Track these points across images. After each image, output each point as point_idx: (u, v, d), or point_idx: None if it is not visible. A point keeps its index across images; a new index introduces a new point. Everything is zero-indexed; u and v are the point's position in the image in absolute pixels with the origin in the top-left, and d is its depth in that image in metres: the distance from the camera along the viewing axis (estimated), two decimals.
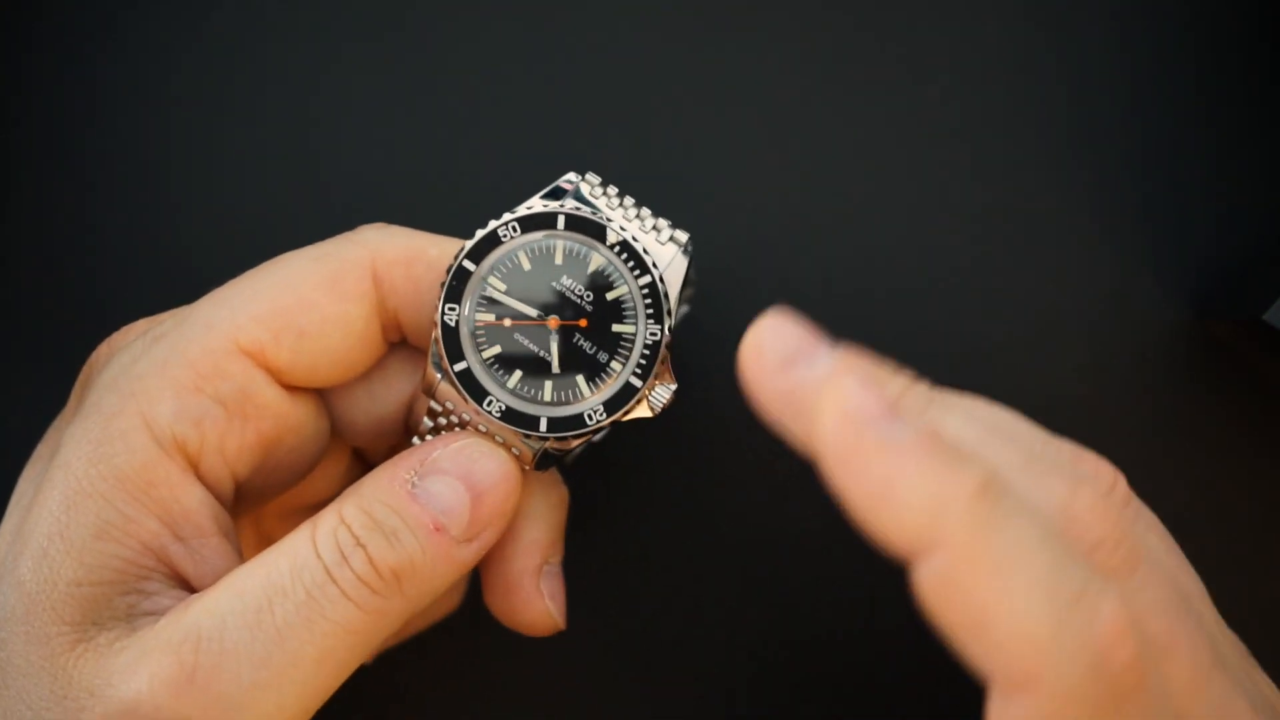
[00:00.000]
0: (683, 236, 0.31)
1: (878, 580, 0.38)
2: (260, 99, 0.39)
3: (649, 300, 0.31)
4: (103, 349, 0.32)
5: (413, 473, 0.29)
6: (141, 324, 0.32)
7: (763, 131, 0.39)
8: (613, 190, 0.31)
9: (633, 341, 0.31)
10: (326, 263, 0.30)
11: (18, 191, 0.39)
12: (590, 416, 0.31)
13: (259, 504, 0.32)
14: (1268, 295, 0.35)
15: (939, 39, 0.39)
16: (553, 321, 0.31)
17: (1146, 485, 0.38)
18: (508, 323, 0.31)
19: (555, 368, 0.31)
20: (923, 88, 0.39)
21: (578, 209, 0.31)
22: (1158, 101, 0.39)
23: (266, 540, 0.34)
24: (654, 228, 0.31)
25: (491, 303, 0.31)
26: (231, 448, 0.29)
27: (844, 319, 0.39)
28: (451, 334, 0.30)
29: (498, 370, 0.31)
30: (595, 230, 0.31)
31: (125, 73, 0.39)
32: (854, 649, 0.38)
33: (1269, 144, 0.39)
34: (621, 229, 0.31)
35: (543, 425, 0.31)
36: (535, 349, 0.31)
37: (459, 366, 0.30)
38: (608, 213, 0.31)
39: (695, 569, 0.39)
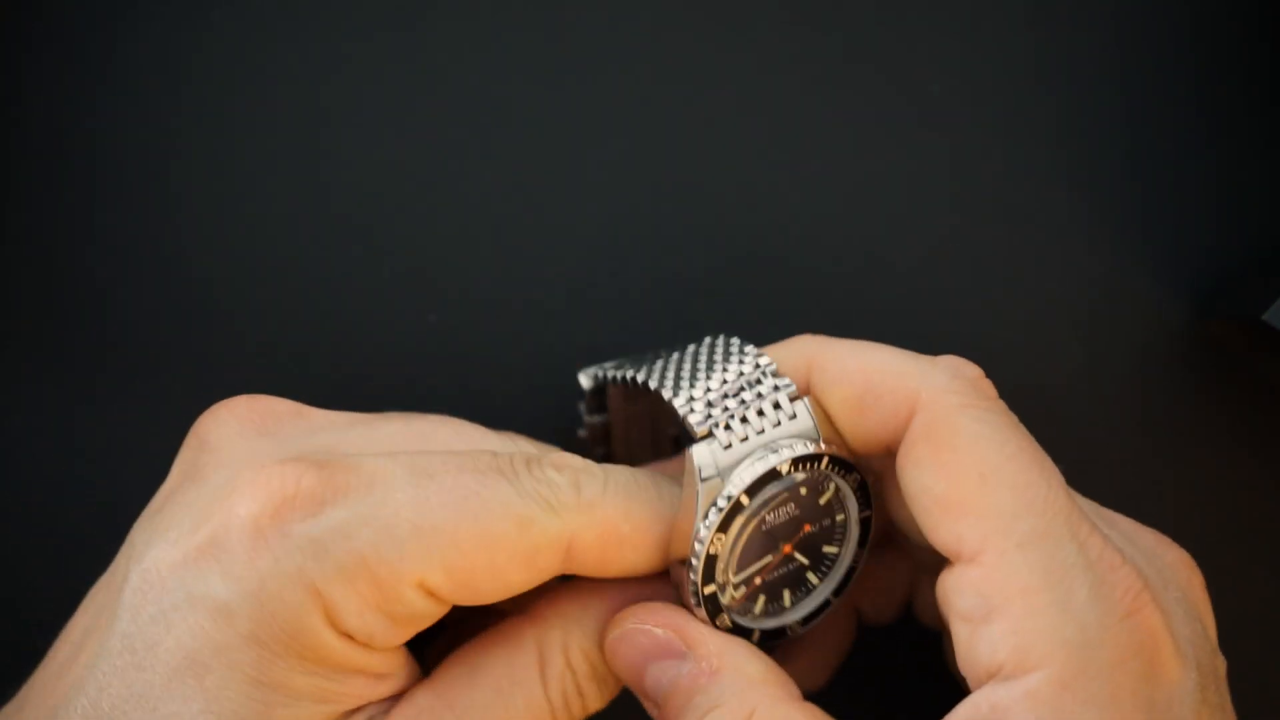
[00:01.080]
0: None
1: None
2: (264, 99, 0.39)
3: (861, 530, 0.33)
4: (210, 424, 0.32)
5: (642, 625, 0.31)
6: (244, 405, 0.32)
7: (758, 131, 0.39)
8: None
9: (834, 562, 0.33)
10: (529, 535, 0.30)
11: (15, 191, 0.39)
12: (791, 630, 0.33)
13: None
14: (1268, 295, 0.35)
15: (940, 37, 0.39)
16: (786, 548, 0.32)
17: (1146, 485, 0.38)
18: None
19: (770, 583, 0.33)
20: (922, 87, 0.39)
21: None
22: (1158, 101, 0.39)
23: None
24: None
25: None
26: (397, 641, 0.30)
27: (843, 320, 0.39)
28: (711, 561, 0.31)
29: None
30: (845, 466, 0.32)
31: (124, 72, 0.39)
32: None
33: (1269, 144, 0.39)
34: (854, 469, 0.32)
35: (755, 637, 0.32)
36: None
37: (708, 590, 0.31)
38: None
39: None
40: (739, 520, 0.31)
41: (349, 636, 0.28)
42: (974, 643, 0.29)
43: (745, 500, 0.30)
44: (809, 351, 0.32)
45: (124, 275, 0.39)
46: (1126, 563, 0.29)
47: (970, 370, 0.31)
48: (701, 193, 0.39)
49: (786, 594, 0.32)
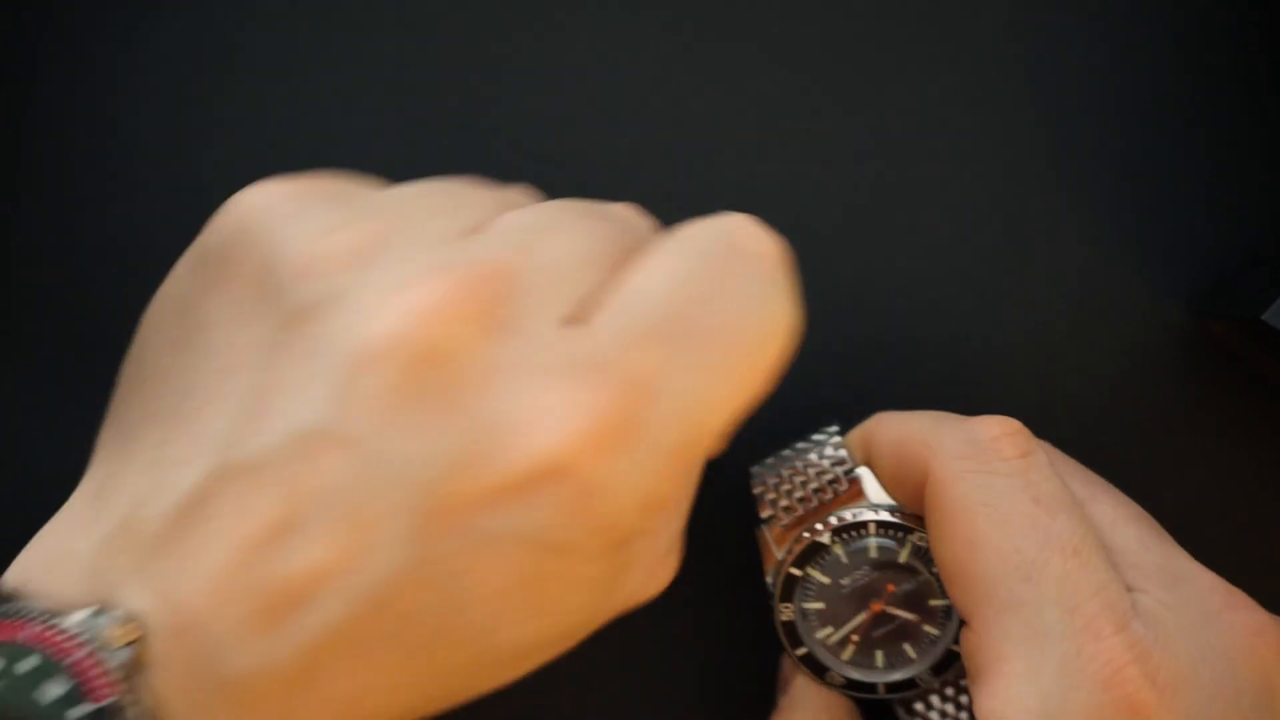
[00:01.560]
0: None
1: None
2: (258, 96, 0.39)
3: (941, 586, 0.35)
4: (255, 227, 0.28)
5: None
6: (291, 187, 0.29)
7: (759, 136, 0.39)
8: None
9: (947, 613, 0.35)
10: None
11: (14, 191, 0.39)
12: (923, 680, 0.35)
13: None
14: (1267, 295, 0.34)
15: (938, 39, 0.39)
16: (875, 606, 0.35)
17: (1146, 485, 0.38)
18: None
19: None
20: (921, 88, 0.39)
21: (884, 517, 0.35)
22: (1156, 101, 0.39)
23: None
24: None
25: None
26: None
27: (841, 323, 0.39)
28: (788, 627, 0.36)
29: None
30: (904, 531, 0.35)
31: (123, 70, 0.39)
32: None
33: (1269, 144, 0.39)
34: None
35: (880, 691, 0.35)
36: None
37: (800, 652, 0.36)
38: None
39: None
40: (797, 590, 0.35)
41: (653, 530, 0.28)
42: (974, 704, 0.30)
43: (796, 572, 0.35)
44: (869, 427, 0.35)
45: (122, 274, 0.39)
46: (1120, 632, 0.28)
47: (990, 430, 0.31)
48: (702, 199, 0.39)
49: (908, 647, 0.35)
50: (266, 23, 0.39)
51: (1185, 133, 0.39)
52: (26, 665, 0.26)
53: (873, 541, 0.35)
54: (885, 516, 0.35)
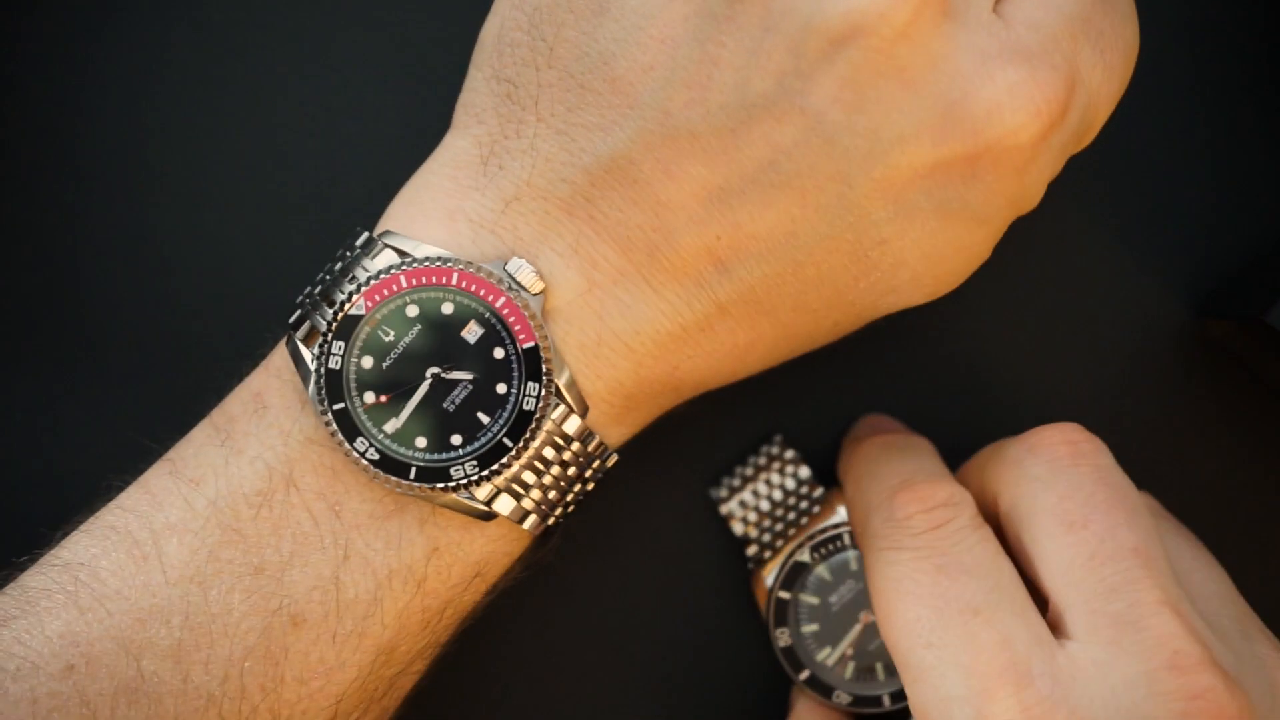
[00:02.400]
0: None
1: None
2: (257, 95, 0.39)
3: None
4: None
5: None
6: None
7: None
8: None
9: None
10: None
11: (12, 190, 0.39)
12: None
13: None
14: (1268, 295, 0.34)
15: None
16: (865, 617, 0.36)
17: (1146, 485, 0.38)
18: None
19: None
20: None
21: None
22: (1160, 102, 0.39)
23: None
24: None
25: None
26: None
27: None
28: (788, 652, 0.37)
29: None
30: None
31: (122, 68, 0.39)
32: None
33: (1270, 144, 0.39)
34: None
35: (886, 704, 0.36)
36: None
37: (802, 676, 0.37)
38: None
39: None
40: (790, 615, 0.36)
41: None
42: None
43: (785, 595, 0.36)
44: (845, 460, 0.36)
45: (121, 274, 0.39)
46: (1018, 692, 0.28)
47: (906, 507, 0.31)
48: None
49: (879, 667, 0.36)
50: (267, 23, 0.39)
51: (1187, 134, 0.39)
52: (447, 309, 0.29)
53: (851, 554, 0.36)
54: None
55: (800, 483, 0.37)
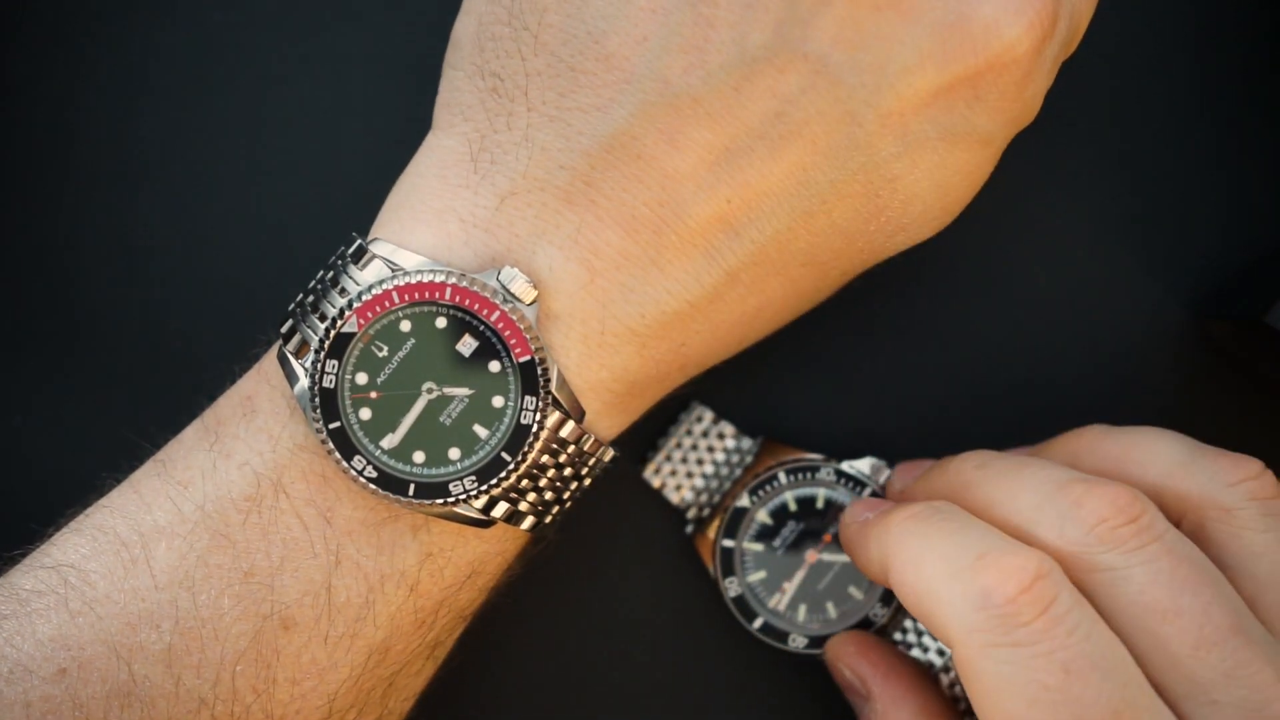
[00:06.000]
0: None
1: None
2: (252, 96, 0.39)
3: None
4: None
5: None
6: None
7: None
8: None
9: None
10: None
11: (5, 191, 0.39)
12: (874, 616, 0.37)
13: None
14: (1269, 297, 0.34)
15: None
16: (811, 556, 0.37)
17: None
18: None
19: None
20: None
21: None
22: (1160, 103, 0.39)
23: None
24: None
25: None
26: None
27: (837, 319, 0.39)
28: (739, 601, 0.37)
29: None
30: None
31: (121, 67, 0.39)
32: None
33: (1270, 145, 0.39)
34: None
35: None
36: None
37: (757, 624, 0.37)
38: None
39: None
40: (736, 564, 0.36)
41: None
42: None
43: (729, 544, 0.36)
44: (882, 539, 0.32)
45: (120, 273, 0.39)
46: None
47: (1005, 589, 0.28)
48: None
49: (853, 589, 0.36)
50: (263, 24, 0.39)
51: (1187, 134, 0.39)
52: (440, 323, 0.29)
53: (789, 495, 0.36)
54: (790, 464, 0.36)
55: (729, 441, 0.37)
